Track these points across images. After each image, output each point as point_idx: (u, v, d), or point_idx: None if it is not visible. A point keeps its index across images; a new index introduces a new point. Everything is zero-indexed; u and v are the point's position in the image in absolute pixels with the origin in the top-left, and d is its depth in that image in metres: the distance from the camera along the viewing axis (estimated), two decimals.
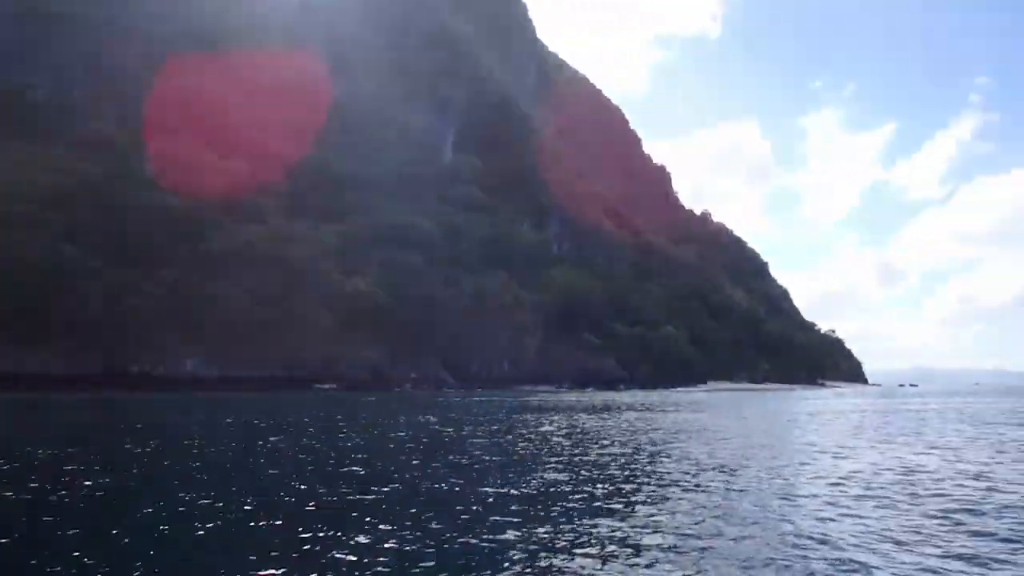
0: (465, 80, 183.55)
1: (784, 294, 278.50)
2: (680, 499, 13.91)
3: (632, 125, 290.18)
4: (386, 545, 10.08)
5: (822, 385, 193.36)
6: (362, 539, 10.36)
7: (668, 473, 17.39)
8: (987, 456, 21.50)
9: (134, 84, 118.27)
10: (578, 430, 31.23)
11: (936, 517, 12.23)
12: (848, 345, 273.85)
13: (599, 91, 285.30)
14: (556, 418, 39.59)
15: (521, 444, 24.57)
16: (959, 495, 14.32)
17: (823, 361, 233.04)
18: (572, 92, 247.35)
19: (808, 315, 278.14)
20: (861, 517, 12.25)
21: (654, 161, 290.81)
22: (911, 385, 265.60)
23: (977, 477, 16.88)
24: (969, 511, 12.74)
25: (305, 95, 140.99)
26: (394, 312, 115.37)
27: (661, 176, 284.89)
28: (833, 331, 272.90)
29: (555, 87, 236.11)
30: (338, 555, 9.56)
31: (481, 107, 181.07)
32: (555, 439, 26.46)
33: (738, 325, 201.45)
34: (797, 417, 45.68)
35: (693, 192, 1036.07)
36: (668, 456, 21.16)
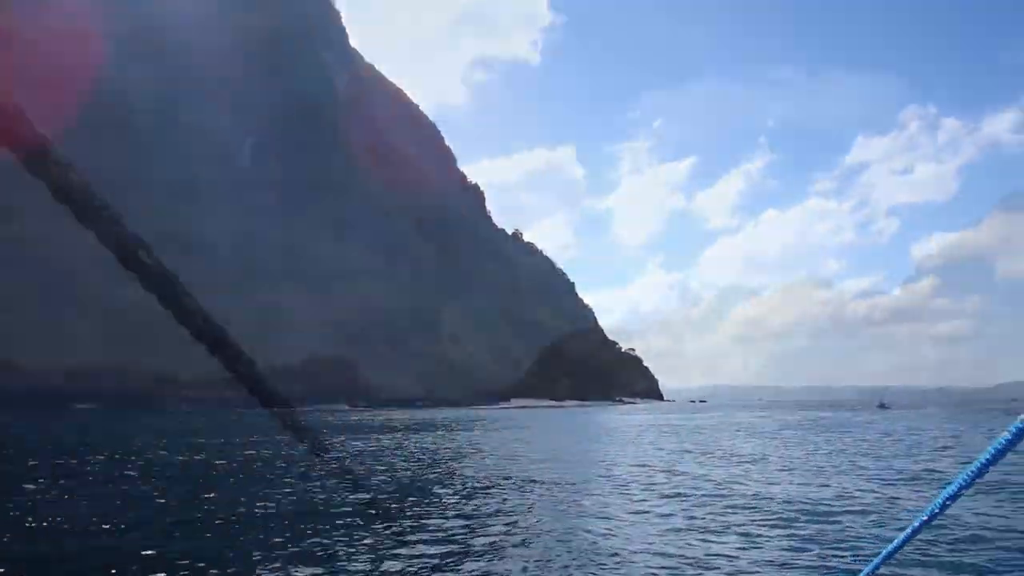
0: (268, 82, 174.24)
1: (589, 313, 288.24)
2: (338, 525, 12.20)
3: (449, 142, 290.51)
4: None
5: (620, 402, 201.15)
6: None
7: (346, 500, 15.51)
8: (690, 465, 21.74)
9: None
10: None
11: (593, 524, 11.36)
12: (649, 363, 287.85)
13: (415, 105, 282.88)
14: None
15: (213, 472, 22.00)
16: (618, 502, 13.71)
17: (622, 378, 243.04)
18: (386, 103, 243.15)
19: (615, 334, 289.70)
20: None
21: (469, 179, 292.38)
22: (700, 401, 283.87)
23: (663, 494, 16.91)
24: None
25: (77, 81, 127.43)
26: (169, 325, 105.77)
27: (475, 193, 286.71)
28: (633, 349, 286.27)
29: (368, 97, 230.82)
30: None
31: (286, 112, 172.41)
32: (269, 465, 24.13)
33: (542, 343, 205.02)
34: (567, 433, 45.78)
35: (507, 211, 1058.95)
36: (363, 481, 19.70)
